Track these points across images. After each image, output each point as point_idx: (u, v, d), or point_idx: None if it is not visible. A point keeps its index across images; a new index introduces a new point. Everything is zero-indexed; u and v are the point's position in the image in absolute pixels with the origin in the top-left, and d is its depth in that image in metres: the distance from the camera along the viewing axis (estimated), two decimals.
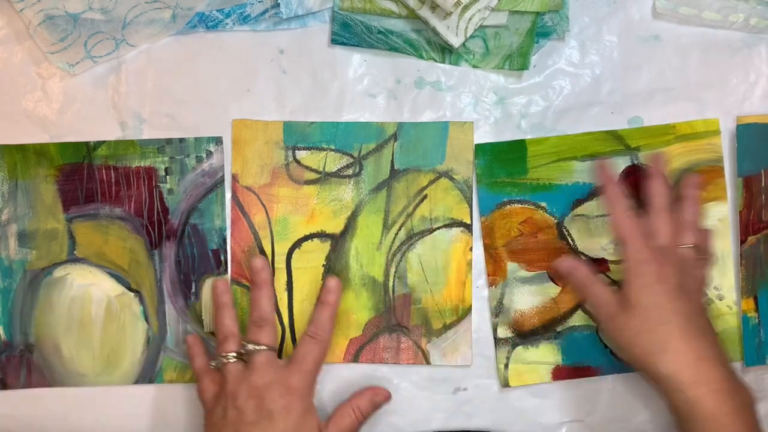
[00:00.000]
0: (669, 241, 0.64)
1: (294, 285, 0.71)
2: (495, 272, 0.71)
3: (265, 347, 0.63)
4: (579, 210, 0.71)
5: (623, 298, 0.62)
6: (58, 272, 0.71)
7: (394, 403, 0.71)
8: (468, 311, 0.70)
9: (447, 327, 0.70)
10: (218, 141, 0.71)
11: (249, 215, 0.71)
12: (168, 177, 0.71)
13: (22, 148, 0.70)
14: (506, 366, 0.71)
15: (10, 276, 0.70)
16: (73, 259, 0.70)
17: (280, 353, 0.70)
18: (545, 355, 0.71)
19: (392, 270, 0.71)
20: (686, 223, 0.66)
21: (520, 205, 0.71)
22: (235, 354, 0.64)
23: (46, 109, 0.71)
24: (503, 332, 0.71)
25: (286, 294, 0.70)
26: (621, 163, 0.71)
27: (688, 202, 0.67)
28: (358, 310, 0.70)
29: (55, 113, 0.71)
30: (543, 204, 0.71)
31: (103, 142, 0.71)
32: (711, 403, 0.58)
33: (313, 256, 0.71)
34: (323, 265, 0.71)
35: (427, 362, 0.70)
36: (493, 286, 0.71)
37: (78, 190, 0.70)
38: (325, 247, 0.71)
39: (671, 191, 0.67)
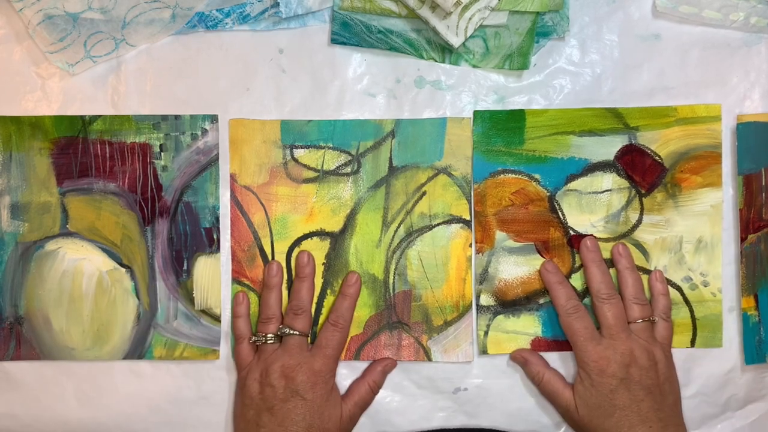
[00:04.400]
0: (617, 325, 0.67)
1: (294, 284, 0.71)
2: (483, 240, 0.71)
3: (298, 333, 0.68)
4: (572, 185, 0.71)
5: (573, 396, 0.68)
6: (50, 245, 0.71)
7: (394, 402, 0.71)
8: (468, 307, 0.70)
9: (448, 323, 0.70)
10: (213, 119, 0.71)
11: (248, 215, 0.71)
12: (162, 154, 0.71)
13: (17, 120, 0.70)
14: (486, 333, 0.71)
15: (2, 248, 0.70)
16: (65, 233, 0.71)
17: None
18: (525, 325, 0.71)
19: (392, 267, 0.71)
20: (632, 298, 0.68)
21: (513, 175, 0.71)
22: (273, 336, 0.68)
23: (46, 109, 0.71)
24: (486, 299, 0.71)
25: (286, 293, 0.70)
26: (618, 142, 0.71)
27: (627, 277, 0.69)
28: (359, 308, 0.70)
29: (54, 113, 0.71)
30: (537, 176, 0.71)
31: (99, 116, 0.71)
32: None
33: (313, 254, 0.70)
34: (323, 264, 0.71)
35: (429, 359, 0.70)
36: (480, 254, 0.71)
37: (72, 164, 0.71)
38: (325, 245, 0.71)
39: (609, 277, 0.69)
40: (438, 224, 0.71)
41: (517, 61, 0.71)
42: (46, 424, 0.70)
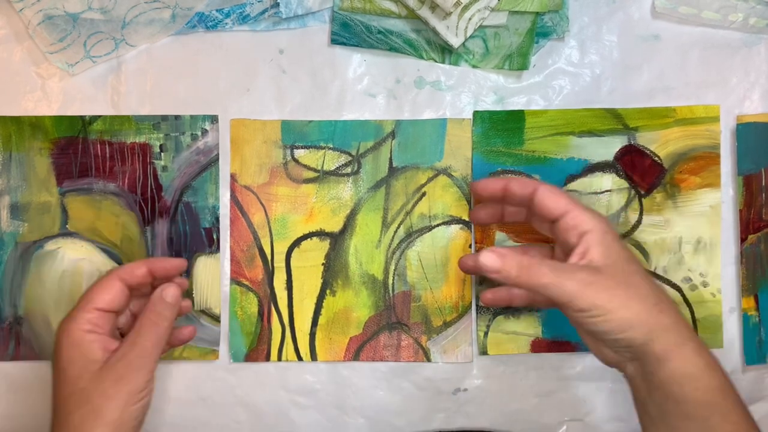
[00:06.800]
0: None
1: (293, 284, 0.70)
2: (482, 240, 0.71)
3: None
4: (572, 185, 0.71)
5: (590, 263, 0.56)
6: (50, 246, 0.70)
7: (394, 403, 0.71)
8: (468, 308, 0.70)
9: (447, 324, 0.70)
10: (213, 119, 0.71)
11: (248, 215, 0.71)
12: (162, 154, 0.71)
13: (17, 120, 0.70)
14: (486, 334, 0.71)
15: (1, 248, 0.70)
16: (65, 233, 0.70)
17: (280, 354, 0.70)
18: (526, 326, 0.71)
19: (392, 268, 0.70)
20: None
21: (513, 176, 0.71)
22: None
23: (46, 109, 0.71)
24: None
25: (286, 293, 0.70)
26: (617, 142, 0.71)
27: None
28: (358, 308, 0.70)
29: (54, 113, 0.71)
30: (536, 176, 0.71)
31: (99, 116, 0.71)
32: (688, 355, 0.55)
33: (313, 254, 0.71)
34: (323, 264, 0.70)
35: (428, 360, 0.70)
36: None
37: (72, 164, 0.70)
38: (325, 245, 0.71)
39: None
40: (438, 225, 0.71)
41: (517, 61, 0.71)
42: (45, 425, 0.70)
